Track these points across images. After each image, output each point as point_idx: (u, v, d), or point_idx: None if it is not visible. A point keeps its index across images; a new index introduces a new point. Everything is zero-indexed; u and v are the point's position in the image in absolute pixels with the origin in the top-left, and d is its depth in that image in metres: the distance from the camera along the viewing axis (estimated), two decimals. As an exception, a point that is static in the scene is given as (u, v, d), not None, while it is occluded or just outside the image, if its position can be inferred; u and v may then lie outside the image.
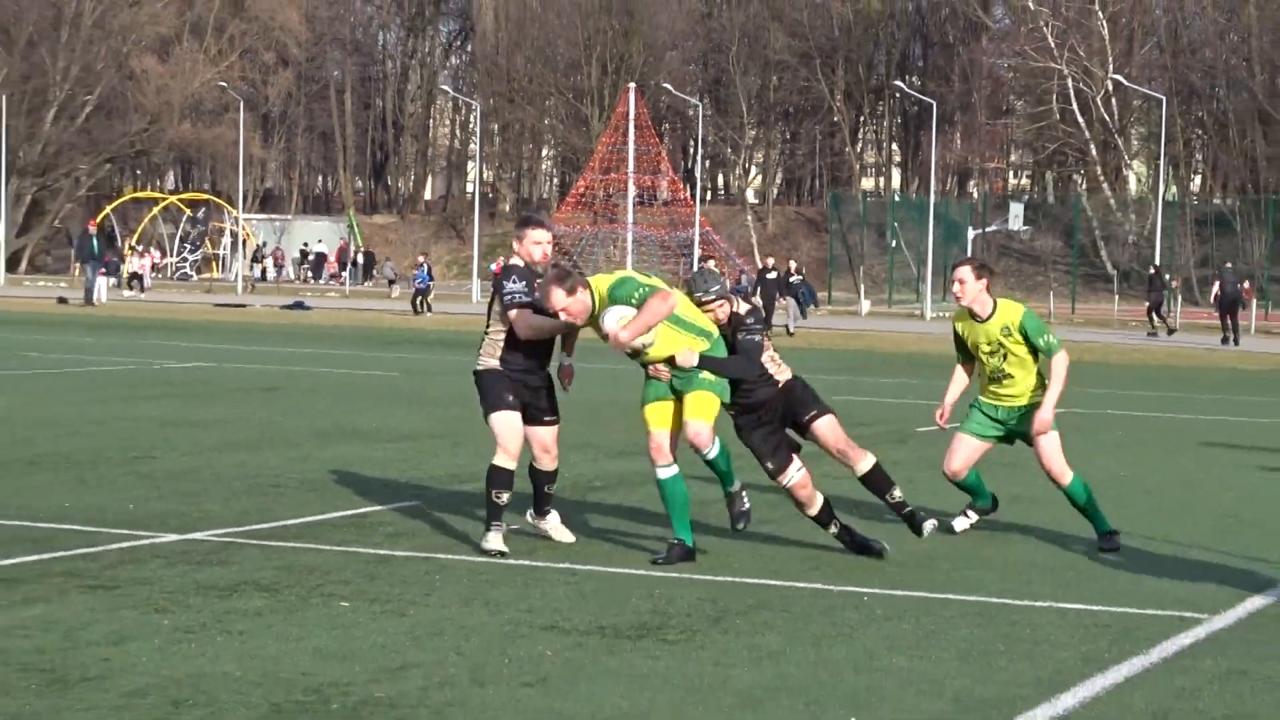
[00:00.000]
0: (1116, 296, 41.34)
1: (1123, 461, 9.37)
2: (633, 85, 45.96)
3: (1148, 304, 30.18)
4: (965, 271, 6.15)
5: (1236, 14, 49.26)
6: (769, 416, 5.85)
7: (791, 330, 27.07)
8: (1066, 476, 6.08)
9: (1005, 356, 6.10)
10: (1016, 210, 47.62)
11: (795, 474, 5.69)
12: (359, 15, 57.69)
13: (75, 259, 40.43)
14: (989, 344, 6.11)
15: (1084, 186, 51.26)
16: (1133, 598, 5.24)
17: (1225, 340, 26.24)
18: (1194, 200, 52.60)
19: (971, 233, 43.58)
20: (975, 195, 52.50)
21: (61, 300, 33.10)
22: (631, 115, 45.20)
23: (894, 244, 48.41)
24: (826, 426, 5.80)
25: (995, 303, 6.13)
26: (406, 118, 57.15)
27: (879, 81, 53.02)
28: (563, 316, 5.44)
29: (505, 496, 5.61)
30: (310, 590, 4.96)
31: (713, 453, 5.68)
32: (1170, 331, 29.86)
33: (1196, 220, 48.98)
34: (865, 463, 5.81)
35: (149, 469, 7.81)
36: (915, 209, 49.01)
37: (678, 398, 5.63)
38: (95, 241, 32.87)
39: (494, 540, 5.61)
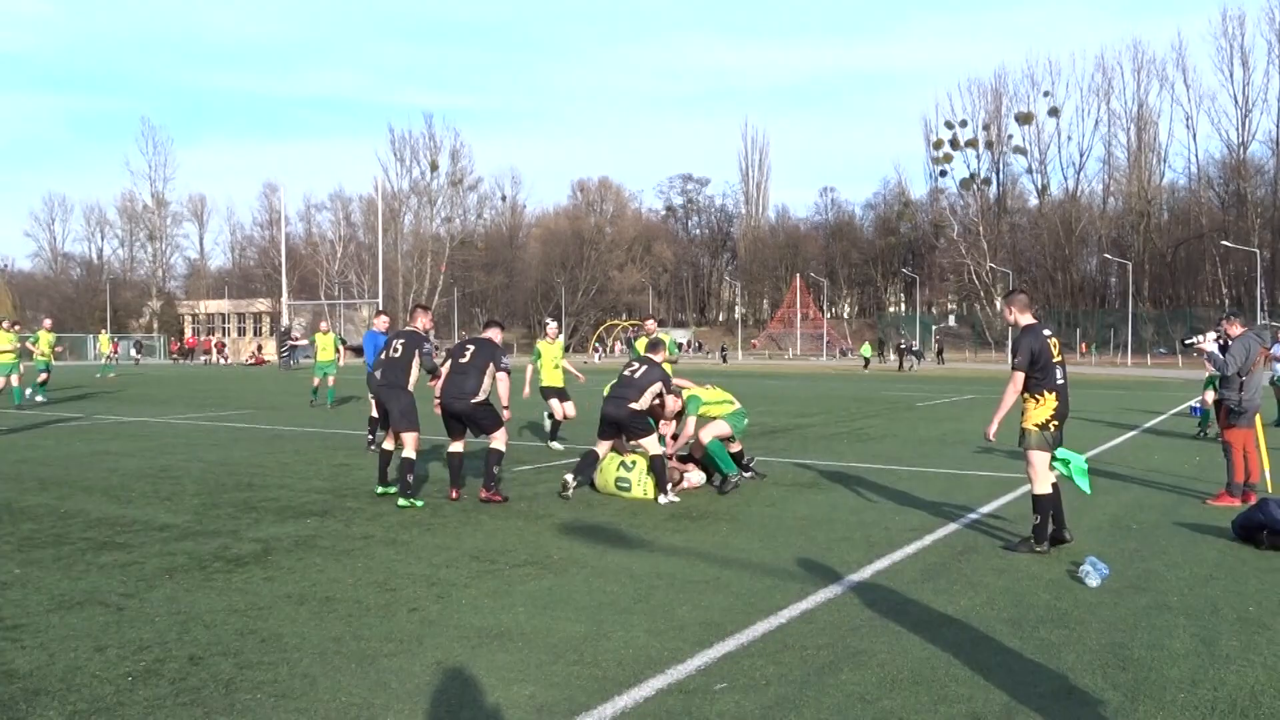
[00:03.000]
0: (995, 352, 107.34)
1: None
2: (798, 275, 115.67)
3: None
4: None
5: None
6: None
7: (913, 369, 58.81)
8: None
9: None
10: (952, 318, 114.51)
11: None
12: (691, 251, 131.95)
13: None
14: None
15: (979, 308, 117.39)
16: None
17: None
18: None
19: (934, 327, 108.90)
20: (934, 312, 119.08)
21: (585, 362, 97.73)
22: (798, 288, 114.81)
23: (903, 334, 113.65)
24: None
25: None
26: (712, 288, 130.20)
27: (895, 269, 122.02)
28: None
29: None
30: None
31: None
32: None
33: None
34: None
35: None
36: (911, 320, 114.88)
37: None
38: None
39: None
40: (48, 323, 26.42)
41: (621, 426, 10.44)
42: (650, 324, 13.14)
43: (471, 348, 10.53)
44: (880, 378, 47.57)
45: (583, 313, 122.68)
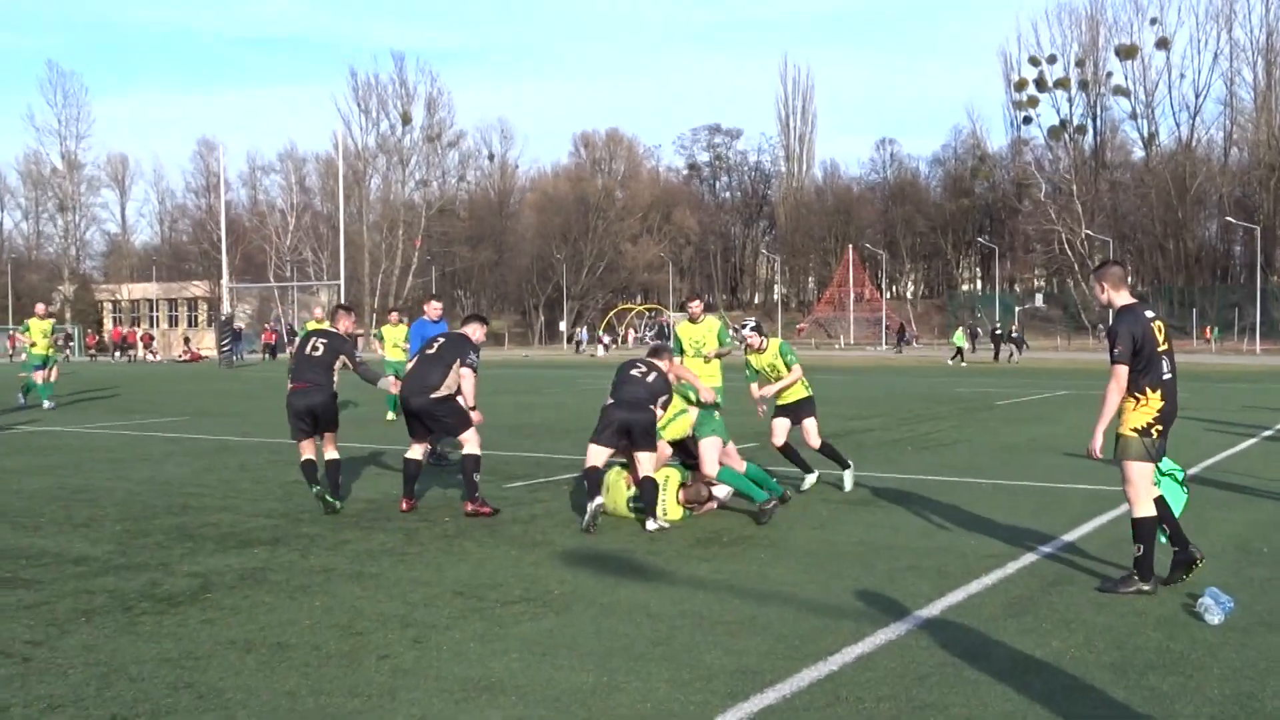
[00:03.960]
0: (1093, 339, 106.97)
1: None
2: (851, 246, 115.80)
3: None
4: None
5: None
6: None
7: (1015, 360, 56.44)
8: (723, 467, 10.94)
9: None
10: (1038, 296, 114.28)
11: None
12: (722, 220, 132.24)
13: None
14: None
15: (1072, 285, 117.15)
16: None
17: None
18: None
19: (1017, 309, 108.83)
20: (1018, 290, 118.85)
21: (591, 355, 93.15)
22: (851, 260, 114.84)
23: (979, 316, 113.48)
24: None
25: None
26: (745, 265, 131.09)
27: (970, 238, 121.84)
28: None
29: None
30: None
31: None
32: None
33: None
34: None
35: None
36: (989, 299, 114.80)
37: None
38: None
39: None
40: (40, 308, 26.97)
41: (634, 435, 10.63)
42: (695, 305, 12.93)
43: (441, 340, 11.12)
44: (958, 371, 47.47)
45: (589, 295, 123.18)
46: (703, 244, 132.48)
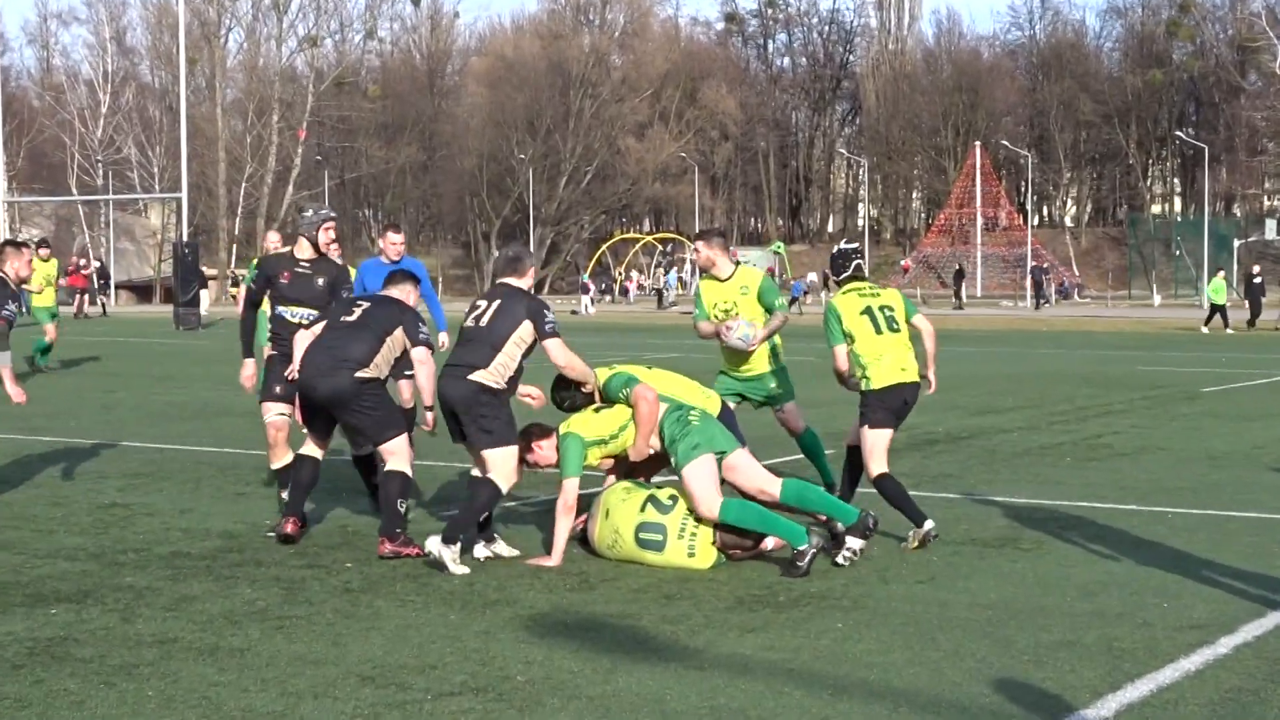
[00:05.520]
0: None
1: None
2: (978, 143, 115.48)
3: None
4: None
5: None
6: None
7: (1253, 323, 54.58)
8: (775, 484, 11.08)
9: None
10: (1271, 224, 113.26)
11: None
12: (778, 100, 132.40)
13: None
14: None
15: None
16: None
17: None
18: None
19: (1236, 243, 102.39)
20: (1239, 214, 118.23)
21: (573, 312, 74.96)
22: (978, 165, 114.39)
23: (1178, 254, 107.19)
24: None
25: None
26: (813, 173, 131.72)
27: (1163, 132, 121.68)
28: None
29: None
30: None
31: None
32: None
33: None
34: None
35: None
36: (1193, 226, 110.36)
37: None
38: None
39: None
40: (44, 251, 31.17)
41: (460, 419, 11.03)
42: (705, 248, 12.83)
43: (365, 305, 11.58)
44: (1216, 341, 46.47)
45: (569, 217, 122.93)
46: (747, 139, 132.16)
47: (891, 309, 11.93)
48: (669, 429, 11.12)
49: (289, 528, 11.50)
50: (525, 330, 10.89)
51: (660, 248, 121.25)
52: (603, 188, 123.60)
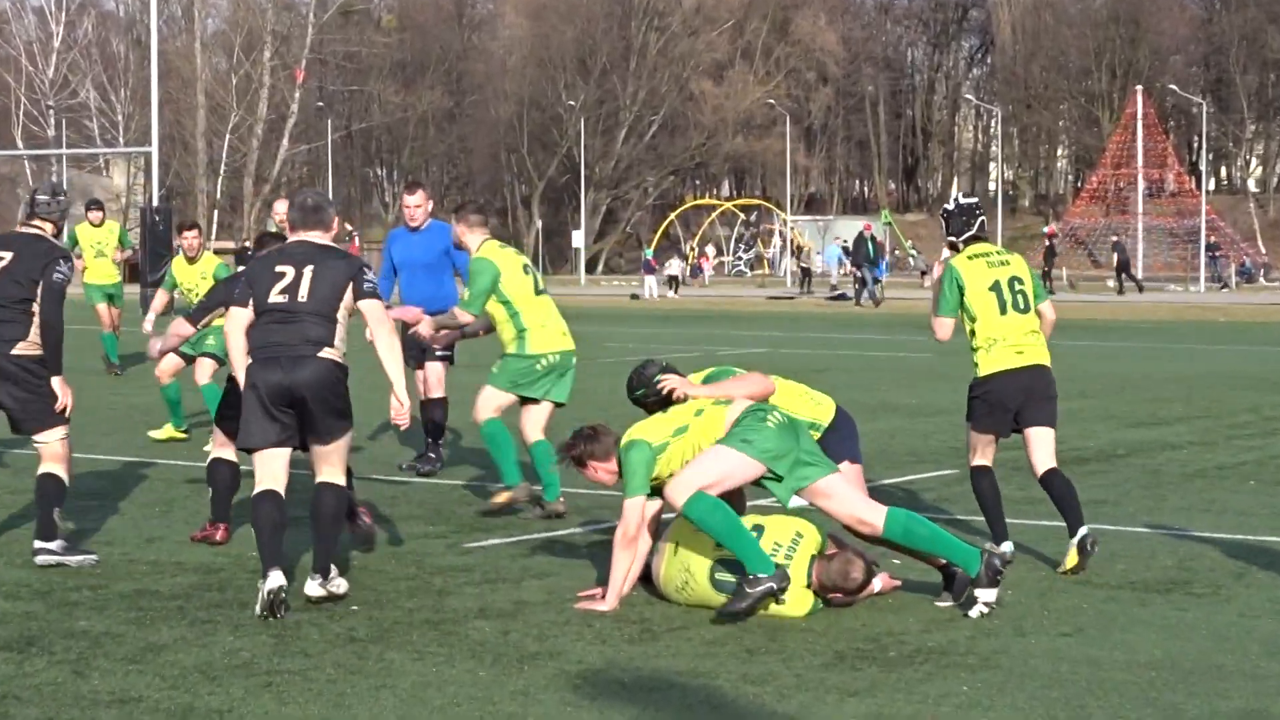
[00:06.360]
0: None
1: None
2: (1140, 88, 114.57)
3: None
4: None
5: None
6: None
7: None
8: None
9: None
10: None
11: None
12: (890, 35, 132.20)
13: (851, 263, 77.11)
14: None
15: None
16: None
17: None
18: None
19: None
20: None
21: (634, 296, 74.79)
22: (1140, 115, 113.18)
23: None
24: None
25: None
26: (934, 125, 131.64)
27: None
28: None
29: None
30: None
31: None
32: None
33: None
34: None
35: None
36: None
37: None
38: (871, 244, 67.48)
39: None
40: (96, 215, 31.36)
41: (310, 417, 11.08)
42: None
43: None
44: None
45: (629, 178, 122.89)
46: (851, 83, 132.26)
47: (1022, 282, 12.00)
48: (741, 421, 10.96)
49: (216, 533, 12.40)
50: (348, 295, 11.07)
51: (742, 217, 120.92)
52: (671, 142, 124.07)
